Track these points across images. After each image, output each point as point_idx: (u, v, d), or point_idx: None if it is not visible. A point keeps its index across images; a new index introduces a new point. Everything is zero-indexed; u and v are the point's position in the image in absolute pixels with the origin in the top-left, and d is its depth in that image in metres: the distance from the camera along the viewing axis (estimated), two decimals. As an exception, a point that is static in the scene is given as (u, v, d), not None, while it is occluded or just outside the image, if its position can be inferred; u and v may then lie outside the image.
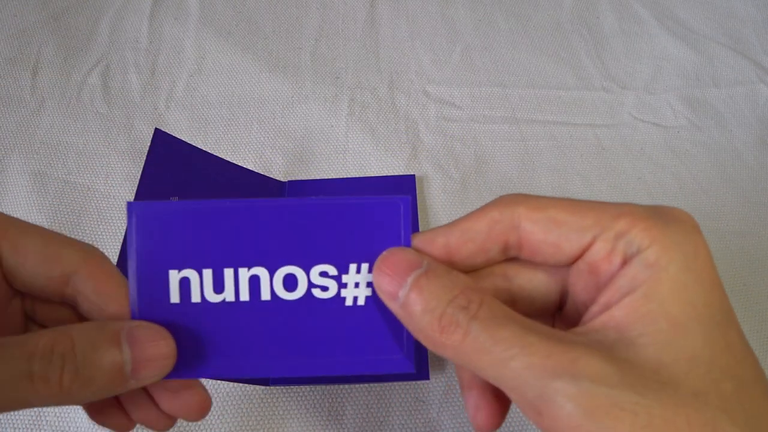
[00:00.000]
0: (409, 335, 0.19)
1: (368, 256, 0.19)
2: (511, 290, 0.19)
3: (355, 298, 0.19)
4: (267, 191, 0.40)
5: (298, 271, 0.19)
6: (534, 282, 0.19)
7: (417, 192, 0.42)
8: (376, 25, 0.53)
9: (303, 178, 0.42)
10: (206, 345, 0.19)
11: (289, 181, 0.42)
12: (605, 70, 0.51)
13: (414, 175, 0.42)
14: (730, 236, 0.42)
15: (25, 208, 0.39)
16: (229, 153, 0.44)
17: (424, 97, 0.48)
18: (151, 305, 0.18)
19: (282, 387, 0.34)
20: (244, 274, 0.19)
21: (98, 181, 0.41)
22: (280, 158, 0.43)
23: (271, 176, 0.42)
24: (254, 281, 0.19)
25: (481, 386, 0.19)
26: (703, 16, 0.55)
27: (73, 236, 0.39)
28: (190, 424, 0.33)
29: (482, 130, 0.46)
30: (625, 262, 0.16)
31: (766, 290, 0.40)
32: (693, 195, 0.44)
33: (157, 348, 0.17)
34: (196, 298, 0.19)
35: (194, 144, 0.37)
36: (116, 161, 0.43)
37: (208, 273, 0.19)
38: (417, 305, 0.17)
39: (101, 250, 0.38)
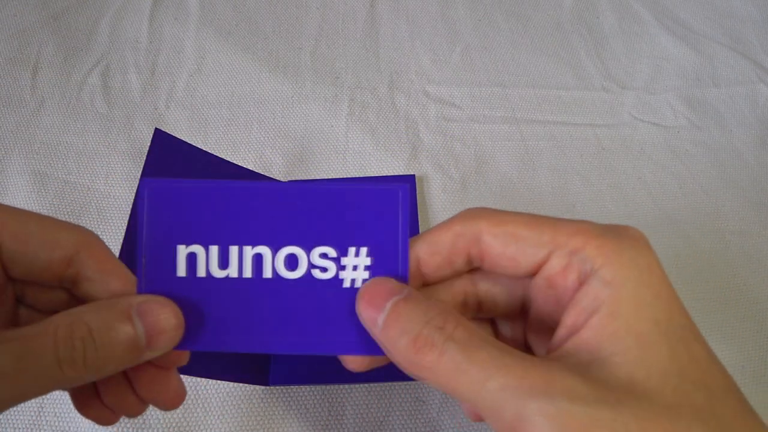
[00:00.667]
0: None
1: (367, 240, 0.19)
2: (478, 294, 0.20)
3: (353, 281, 0.19)
4: None
5: (299, 252, 0.20)
6: (497, 288, 0.20)
7: (417, 192, 0.42)
8: (376, 25, 0.53)
9: (303, 179, 0.42)
10: (208, 318, 0.19)
11: (289, 182, 0.42)
12: (605, 70, 0.51)
13: (414, 175, 0.42)
14: (730, 236, 0.42)
15: (25, 207, 0.39)
16: (229, 153, 0.44)
17: (424, 97, 0.48)
18: (158, 278, 0.19)
19: (282, 387, 0.34)
20: (249, 252, 0.19)
21: (98, 181, 0.41)
22: (280, 158, 0.43)
23: (271, 176, 0.42)
24: (257, 259, 0.19)
25: None
26: (703, 16, 0.55)
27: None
28: (190, 424, 0.33)
29: (482, 130, 0.46)
30: (582, 280, 0.17)
31: (766, 290, 0.40)
32: (693, 195, 0.44)
33: (167, 319, 0.18)
34: (201, 272, 0.19)
35: (194, 144, 0.37)
36: (116, 161, 0.43)
37: (214, 249, 0.19)
38: (394, 328, 0.17)
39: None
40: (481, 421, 0.20)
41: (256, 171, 0.40)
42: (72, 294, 0.20)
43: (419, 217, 0.41)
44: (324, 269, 0.20)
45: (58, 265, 0.19)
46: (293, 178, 0.42)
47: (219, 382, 0.34)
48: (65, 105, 0.46)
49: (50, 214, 0.39)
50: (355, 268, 0.19)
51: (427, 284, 0.20)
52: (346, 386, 0.34)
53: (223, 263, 0.19)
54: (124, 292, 0.19)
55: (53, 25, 0.51)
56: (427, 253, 0.19)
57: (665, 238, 0.42)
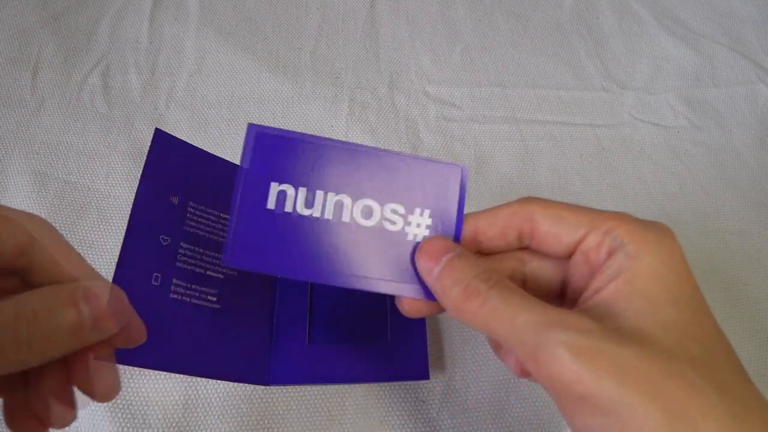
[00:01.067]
0: None
1: (430, 204, 0.24)
2: (524, 272, 0.24)
3: (415, 236, 0.23)
4: None
5: (374, 205, 0.23)
6: (542, 269, 0.23)
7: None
8: (376, 25, 0.53)
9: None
10: (287, 248, 0.23)
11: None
12: (605, 70, 0.51)
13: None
14: (730, 236, 0.42)
15: (25, 208, 0.39)
16: (229, 153, 0.44)
17: (424, 97, 0.48)
18: (251, 207, 0.23)
19: (282, 387, 0.34)
20: (332, 197, 0.23)
21: (98, 181, 0.41)
22: (280, 158, 0.44)
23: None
24: (339, 204, 0.23)
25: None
26: (702, 16, 0.55)
27: (73, 236, 0.39)
28: (190, 423, 0.33)
29: (482, 130, 0.46)
30: (611, 253, 0.20)
31: (766, 290, 0.40)
32: (693, 195, 0.44)
33: (112, 303, 0.20)
34: (288, 208, 0.23)
35: (194, 144, 0.37)
36: (116, 161, 0.43)
37: (302, 191, 0.23)
38: (447, 278, 0.21)
39: (101, 250, 0.38)
40: (527, 376, 0.23)
41: None
42: (25, 281, 0.21)
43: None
44: (393, 222, 0.23)
45: (10, 255, 0.20)
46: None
47: (219, 382, 0.34)
48: (65, 105, 0.46)
49: (50, 214, 0.39)
50: (418, 225, 0.23)
51: (481, 253, 0.24)
52: (346, 386, 0.34)
53: (309, 203, 0.23)
54: (75, 279, 0.21)
55: (53, 25, 0.51)
56: (486, 224, 0.23)
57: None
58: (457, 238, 0.23)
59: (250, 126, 0.23)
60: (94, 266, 0.38)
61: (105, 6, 0.52)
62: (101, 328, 0.19)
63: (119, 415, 0.32)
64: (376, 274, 0.23)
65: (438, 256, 0.22)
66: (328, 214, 0.23)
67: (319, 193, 0.23)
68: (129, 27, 0.51)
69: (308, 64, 0.50)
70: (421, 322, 0.35)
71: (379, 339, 0.35)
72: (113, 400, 0.33)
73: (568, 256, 0.22)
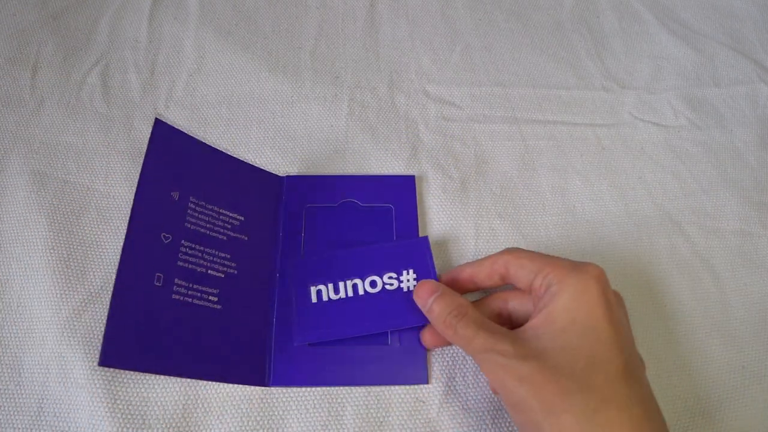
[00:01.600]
0: None
1: (413, 265, 0.36)
2: (508, 309, 0.33)
3: (408, 287, 0.36)
4: (266, 185, 0.40)
5: (377, 278, 0.36)
6: (519, 304, 0.33)
7: (416, 192, 0.42)
8: (376, 24, 0.53)
9: (305, 174, 0.42)
10: (330, 321, 0.35)
11: (287, 176, 0.42)
12: (605, 70, 0.51)
13: (414, 176, 0.42)
14: (730, 236, 0.42)
15: (25, 208, 0.39)
16: (228, 152, 0.44)
17: (424, 96, 0.48)
18: (302, 304, 0.35)
19: (282, 387, 0.34)
20: (349, 283, 0.36)
21: (98, 181, 0.41)
22: (280, 158, 0.43)
23: (272, 172, 0.42)
24: (354, 286, 0.36)
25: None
26: (703, 16, 0.55)
27: (73, 236, 0.39)
28: (190, 424, 0.33)
29: (482, 129, 0.46)
30: (545, 291, 0.29)
31: (766, 290, 0.40)
32: (693, 195, 0.44)
33: None
34: (324, 298, 0.35)
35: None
36: (116, 161, 0.43)
37: (330, 285, 0.36)
38: (434, 312, 0.32)
39: (101, 250, 0.38)
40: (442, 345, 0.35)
41: (257, 166, 0.40)
42: None
43: (418, 216, 0.41)
44: (391, 284, 0.36)
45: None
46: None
47: (219, 383, 0.34)
48: (64, 104, 0.45)
49: (49, 214, 0.39)
50: (408, 280, 0.36)
51: (478, 289, 0.35)
52: (346, 387, 0.34)
53: (336, 291, 0.36)
54: None
55: (52, 24, 0.50)
56: (477, 270, 0.33)
57: (665, 238, 0.42)
58: (435, 278, 0.35)
59: (283, 262, 0.38)
60: (93, 267, 0.38)
61: (104, 5, 0.52)
62: None
63: (119, 415, 0.32)
64: (388, 319, 0.34)
65: (426, 297, 0.33)
66: (349, 293, 0.35)
67: (341, 283, 0.36)
68: (128, 26, 0.51)
69: (308, 64, 0.50)
70: (420, 326, 0.35)
71: (379, 342, 0.35)
72: (113, 402, 0.33)
73: (529, 293, 0.31)
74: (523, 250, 0.32)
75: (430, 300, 0.32)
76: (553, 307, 0.28)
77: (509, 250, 0.32)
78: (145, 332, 0.30)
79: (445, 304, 0.31)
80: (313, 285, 0.36)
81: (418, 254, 0.36)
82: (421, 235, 0.39)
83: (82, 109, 0.45)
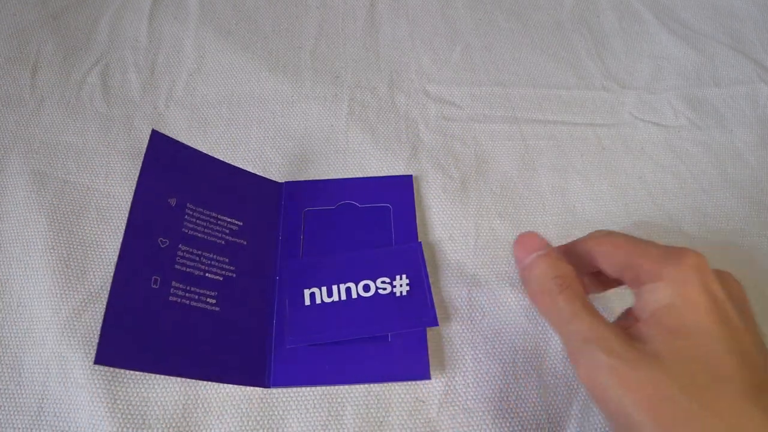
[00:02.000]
0: (431, 308, 0.35)
1: (406, 270, 0.36)
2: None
3: (401, 291, 0.36)
4: (264, 191, 0.40)
5: (370, 282, 0.36)
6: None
7: (415, 191, 0.42)
8: (376, 24, 0.53)
9: (301, 179, 0.42)
10: (324, 324, 0.35)
11: (286, 182, 0.42)
12: (606, 70, 0.51)
13: (411, 175, 0.42)
14: (730, 236, 0.42)
15: (25, 207, 0.39)
16: (228, 152, 0.44)
17: (424, 96, 0.48)
18: (295, 305, 0.36)
19: (282, 388, 0.34)
20: (342, 287, 0.36)
21: (98, 181, 0.41)
22: (280, 158, 0.43)
23: (270, 176, 0.42)
24: (348, 290, 0.36)
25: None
26: (703, 16, 0.55)
27: (73, 236, 0.39)
28: (190, 424, 0.33)
29: (482, 129, 0.46)
30: (641, 288, 0.25)
31: (766, 290, 0.40)
32: (693, 195, 0.44)
33: None
34: (318, 301, 0.36)
35: (194, 143, 0.37)
36: (116, 160, 0.43)
37: (324, 288, 0.36)
38: (533, 272, 0.27)
39: (101, 249, 0.38)
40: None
41: (253, 172, 0.40)
42: None
43: (418, 216, 0.41)
44: (384, 289, 0.36)
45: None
46: (293, 178, 0.42)
47: (218, 383, 0.34)
48: (64, 104, 0.45)
49: (50, 214, 0.39)
50: (401, 285, 0.36)
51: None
52: (346, 386, 0.34)
53: (330, 294, 0.36)
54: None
55: (52, 24, 0.50)
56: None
57: (665, 238, 0.42)
58: (428, 286, 0.36)
59: (284, 262, 0.38)
60: (93, 267, 0.38)
61: (104, 5, 0.52)
62: None
63: (119, 415, 0.32)
64: (381, 323, 0.34)
65: (530, 250, 0.28)
66: (342, 297, 0.35)
67: (334, 287, 0.36)
68: (128, 26, 0.51)
69: (308, 63, 0.50)
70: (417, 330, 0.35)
71: (379, 340, 0.35)
72: (113, 402, 0.33)
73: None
74: (611, 233, 0.28)
75: (532, 255, 0.27)
76: (656, 305, 0.24)
77: (593, 236, 0.28)
78: (141, 332, 0.30)
79: (549, 266, 0.26)
80: (306, 288, 0.36)
81: (411, 260, 0.37)
82: (419, 234, 0.39)
83: (82, 108, 0.45)
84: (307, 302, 0.36)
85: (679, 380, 0.21)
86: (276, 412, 0.33)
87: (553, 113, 0.48)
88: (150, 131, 0.34)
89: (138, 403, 0.33)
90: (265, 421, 0.33)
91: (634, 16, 0.55)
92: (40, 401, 0.33)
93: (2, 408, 0.33)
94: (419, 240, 0.39)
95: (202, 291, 0.33)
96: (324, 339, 0.34)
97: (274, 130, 0.45)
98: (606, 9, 0.55)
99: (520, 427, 0.34)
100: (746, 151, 0.46)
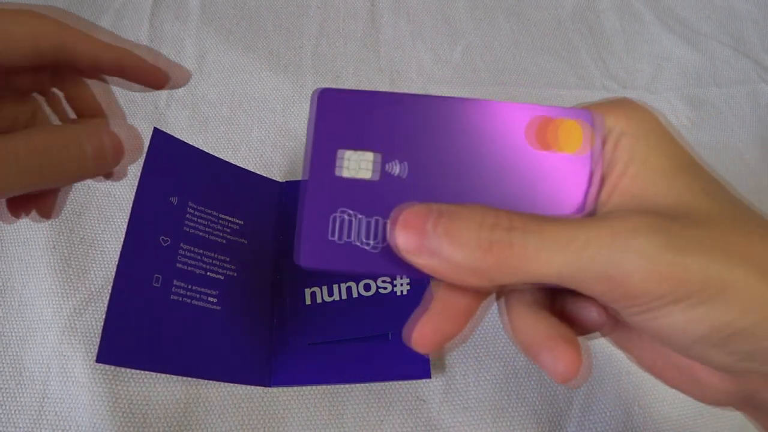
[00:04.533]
0: None
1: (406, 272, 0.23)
2: None
3: (402, 291, 0.36)
4: (265, 190, 0.40)
5: (371, 282, 0.36)
6: None
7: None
8: (377, 24, 0.53)
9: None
10: (320, 323, 0.36)
11: (286, 182, 0.42)
12: (606, 70, 0.51)
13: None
14: (731, 236, 0.42)
15: (26, 207, 0.39)
16: (229, 152, 0.44)
17: (424, 96, 0.48)
18: (298, 304, 0.35)
19: (282, 387, 0.34)
20: (344, 285, 0.36)
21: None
22: (280, 157, 0.43)
23: (270, 175, 0.42)
24: (348, 288, 0.36)
25: (549, 338, 0.19)
26: (704, 15, 0.55)
27: (74, 235, 0.39)
28: (191, 423, 0.33)
29: (483, 129, 0.46)
30: (616, 144, 0.19)
31: (766, 290, 0.40)
32: (694, 195, 0.44)
33: (109, 143, 0.23)
34: (319, 300, 0.37)
35: (195, 142, 0.37)
36: (117, 160, 0.43)
37: (324, 287, 0.37)
38: (449, 246, 0.17)
39: (102, 249, 0.38)
40: (569, 378, 0.19)
41: (255, 172, 0.41)
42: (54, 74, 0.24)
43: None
44: (385, 288, 0.36)
45: (50, 49, 0.22)
46: (294, 178, 0.42)
47: (220, 382, 0.34)
48: (66, 104, 0.46)
49: (51, 213, 0.39)
50: (402, 284, 0.36)
51: None
52: (346, 386, 0.34)
53: (330, 293, 0.36)
54: (111, 61, 0.24)
55: (54, 23, 0.50)
56: None
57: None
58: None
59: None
60: (94, 266, 0.38)
61: (105, 4, 0.52)
62: (105, 164, 0.23)
63: (120, 415, 0.32)
64: (380, 322, 0.34)
65: (420, 224, 0.17)
66: (344, 296, 0.35)
67: (334, 286, 0.36)
68: (129, 26, 0.51)
69: (309, 63, 0.50)
70: None
71: (380, 339, 0.35)
72: (114, 401, 0.33)
73: None
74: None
75: (428, 227, 0.17)
76: (645, 152, 0.19)
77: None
78: (142, 330, 0.30)
79: (461, 219, 0.17)
80: (307, 287, 0.36)
81: None
82: None
83: (83, 108, 0.45)
84: (308, 301, 0.36)
85: (731, 217, 0.18)
86: (277, 411, 0.34)
87: (554, 113, 0.48)
88: (151, 130, 0.34)
89: (139, 402, 0.33)
90: (266, 420, 0.33)
91: (634, 16, 0.55)
92: (41, 400, 0.33)
93: (3, 406, 0.33)
94: None
95: (203, 290, 0.33)
96: (325, 338, 0.34)
97: (275, 130, 0.45)
98: (606, 9, 0.55)
99: (520, 427, 0.34)
100: (746, 151, 0.46)
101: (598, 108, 0.19)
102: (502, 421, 0.34)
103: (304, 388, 0.34)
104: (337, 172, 0.19)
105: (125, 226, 0.31)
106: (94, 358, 0.34)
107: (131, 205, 0.32)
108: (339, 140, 0.19)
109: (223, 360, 0.33)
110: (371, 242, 0.19)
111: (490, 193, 0.19)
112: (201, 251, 0.34)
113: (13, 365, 0.34)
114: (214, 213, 0.36)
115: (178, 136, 0.35)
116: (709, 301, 0.16)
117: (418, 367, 0.34)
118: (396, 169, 0.19)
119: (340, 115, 0.19)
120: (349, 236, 0.19)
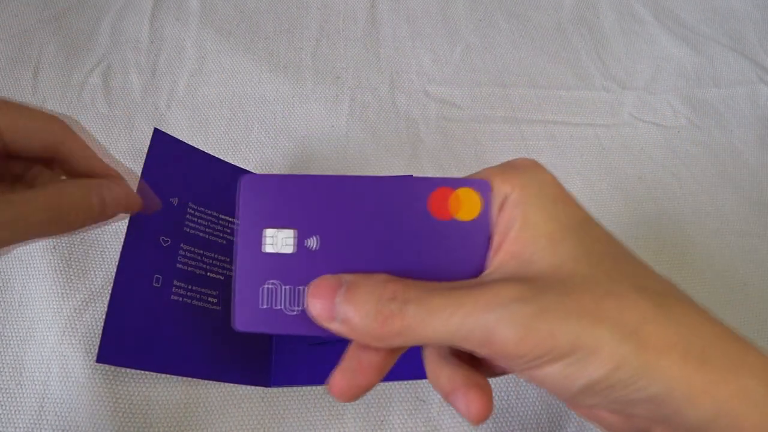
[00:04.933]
0: None
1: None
2: None
3: None
4: None
5: None
6: None
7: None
8: (377, 24, 0.53)
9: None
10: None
11: None
12: (605, 70, 0.51)
13: (412, 175, 0.42)
14: (730, 236, 0.42)
15: (26, 207, 0.40)
16: (229, 153, 0.44)
17: (424, 96, 0.48)
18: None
19: (282, 388, 0.34)
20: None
21: (99, 181, 0.42)
22: (281, 158, 0.44)
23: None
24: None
25: (462, 385, 0.22)
26: (703, 16, 0.55)
27: (74, 235, 0.39)
28: (191, 423, 0.33)
29: (482, 129, 0.46)
30: (501, 208, 0.21)
31: (766, 290, 0.40)
32: (693, 195, 0.44)
33: (118, 195, 0.26)
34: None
35: (195, 143, 0.37)
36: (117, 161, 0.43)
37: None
38: (354, 316, 0.19)
39: (102, 249, 0.38)
40: (481, 418, 0.21)
41: (254, 172, 0.41)
42: (63, 168, 0.26)
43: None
44: None
45: (48, 149, 0.25)
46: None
47: (220, 382, 0.34)
48: (66, 105, 0.46)
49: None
50: None
51: None
52: (347, 386, 0.34)
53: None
54: (99, 169, 0.26)
55: (54, 25, 0.51)
56: None
57: (665, 238, 0.42)
58: None
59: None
60: (94, 266, 0.38)
61: (106, 6, 0.52)
62: (108, 215, 0.25)
63: (120, 415, 0.32)
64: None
65: (330, 297, 0.20)
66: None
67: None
68: (130, 27, 0.51)
69: (309, 64, 0.50)
70: None
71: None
72: (114, 401, 0.33)
73: None
74: None
75: (337, 299, 0.20)
76: (525, 217, 0.20)
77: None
78: (143, 330, 0.30)
79: (364, 293, 0.19)
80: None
81: None
82: None
83: (84, 109, 0.46)
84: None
85: (598, 278, 0.19)
86: (277, 412, 0.34)
87: (553, 114, 0.48)
88: (152, 131, 0.34)
89: (139, 402, 0.33)
90: (266, 421, 0.33)
91: (634, 16, 0.55)
92: (42, 400, 0.33)
93: (3, 406, 0.33)
94: None
95: (203, 290, 0.33)
96: (325, 338, 0.34)
97: (275, 131, 0.45)
98: (606, 9, 0.56)
99: (520, 427, 0.34)
100: (746, 151, 0.46)
101: (492, 174, 0.21)
102: (503, 422, 0.34)
103: (303, 388, 0.34)
104: (264, 249, 0.21)
105: (125, 227, 0.31)
106: (94, 358, 0.34)
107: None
108: (263, 220, 0.22)
109: (223, 360, 0.33)
110: (296, 309, 0.21)
111: (397, 261, 0.21)
112: (201, 251, 0.35)
113: (13, 365, 0.34)
114: (215, 213, 0.36)
115: (179, 137, 0.35)
116: (581, 361, 0.17)
117: (418, 367, 0.34)
118: (313, 243, 0.21)
119: (263, 198, 0.22)
120: (276, 304, 0.21)
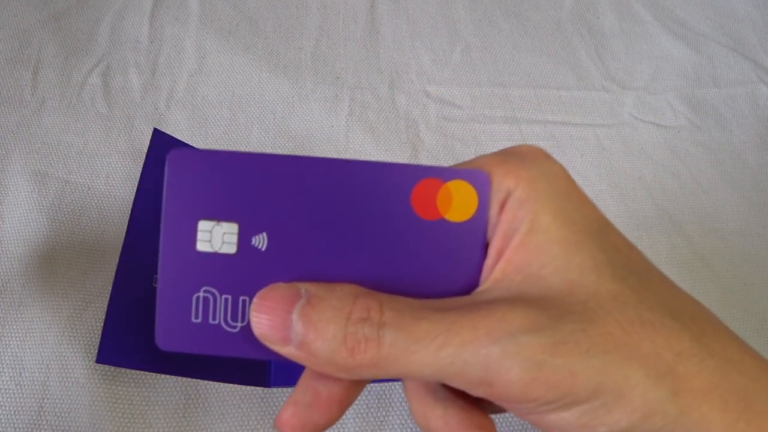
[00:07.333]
0: None
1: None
2: None
3: None
4: None
5: None
6: None
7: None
8: (377, 25, 0.53)
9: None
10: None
11: None
12: (605, 70, 0.51)
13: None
14: (730, 236, 0.42)
15: (26, 208, 0.40)
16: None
17: (424, 97, 0.48)
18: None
19: (281, 388, 0.34)
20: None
21: (99, 181, 0.41)
22: (281, 158, 0.44)
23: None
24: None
25: (460, 427, 0.17)
26: (703, 16, 0.55)
27: (73, 236, 0.39)
28: (191, 424, 0.33)
29: (482, 129, 0.46)
30: (502, 206, 0.16)
31: (766, 290, 0.40)
32: (693, 195, 0.44)
33: None
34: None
35: (195, 144, 0.37)
36: (117, 161, 0.43)
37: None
38: (314, 339, 0.15)
39: (102, 249, 0.38)
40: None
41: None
42: None
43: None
44: None
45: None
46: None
47: (219, 383, 0.34)
48: (66, 105, 0.46)
49: (50, 214, 0.39)
50: None
51: None
52: (347, 386, 0.34)
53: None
54: None
55: (54, 25, 0.51)
56: None
57: (665, 238, 0.42)
58: None
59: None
60: (94, 267, 0.38)
61: (105, 6, 0.52)
62: None
63: (120, 415, 0.32)
64: None
65: (284, 312, 0.15)
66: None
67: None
68: (129, 27, 0.51)
69: (309, 64, 0.50)
70: None
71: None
72: (114, 401, 0.33)
73: None
74: None
75: (293, 316, 0.15)
76: (533, 219, 0.16)
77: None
78: (142, 331, 0.30)
79: (328, 309, 0.15)
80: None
81: None
82: None
83: (84, 109, 0.45)
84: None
85: (625, 299, 0.15)
86: (276, 412, 0.34)
87: (553, 114, 0.48)
88: (151, 131, 0.34)
89: (139, 402, 0.33)
90: (266, 421, 0.33)
91: (633, 16, 0.55)
92: (41, 401, 0.33)
93: (3, 407, 0.33)
94: None
95: None
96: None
97: (275, 131, 0.45)
98: (606, 9, 0.56)
99: (520, 427, 0.34)
100: (746, 152, 0.46)
101: (491, 163, 0.17)
102: (502, 421, 0.34)
103: (303, 388, 0.34)
104: (197, 247, 0.16)
105: (125, 227, 0.31)
106: (94, 358, 0.34)
107: (131, 205, 0.32)
108: (196, 209, 0.16)
109: (222, 361, 0.33)
110: (238, 325, 0.16)
111: (370, 269, 0.16)
112: (201, 251, 0.34)
113: (13, 365, 0.34)
114: None
115: (178, 137, 0.35)
116: (604, 407, 0.14)
117: None
118: (261, 241, 0.16)
119: (197, 180, 0.17)
120: (214, 318, 0.16)
